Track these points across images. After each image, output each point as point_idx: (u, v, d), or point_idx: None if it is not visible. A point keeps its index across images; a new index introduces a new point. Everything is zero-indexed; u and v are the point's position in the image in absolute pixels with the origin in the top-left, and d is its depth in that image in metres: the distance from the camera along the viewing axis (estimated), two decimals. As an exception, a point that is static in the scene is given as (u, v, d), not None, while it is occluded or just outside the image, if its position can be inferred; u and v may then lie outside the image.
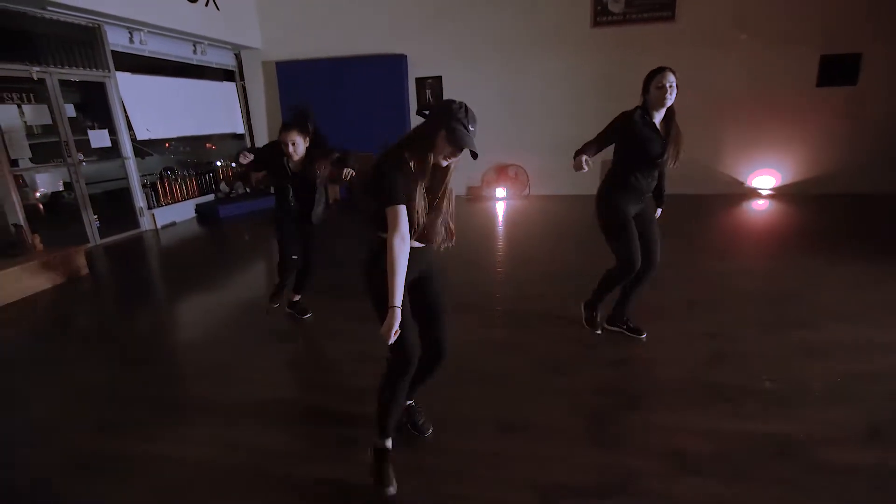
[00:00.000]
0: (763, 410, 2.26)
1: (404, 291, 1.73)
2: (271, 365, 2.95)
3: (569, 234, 5.48)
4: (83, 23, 5.72)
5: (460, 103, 1.65)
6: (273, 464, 2.06)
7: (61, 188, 5.77)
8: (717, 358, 2.72)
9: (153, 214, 6.72)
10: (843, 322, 3.08)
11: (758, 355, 2.72)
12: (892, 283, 3.66)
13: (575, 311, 3.34)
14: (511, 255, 4.93)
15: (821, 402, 2.30)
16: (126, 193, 6.52)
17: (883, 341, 2.83)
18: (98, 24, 5.91)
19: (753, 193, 7.29)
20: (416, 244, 1.78)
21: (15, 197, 5.01)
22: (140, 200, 6.57)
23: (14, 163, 5.14)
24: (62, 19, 5.46)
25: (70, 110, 5.67)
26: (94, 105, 6.17)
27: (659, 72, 2.67)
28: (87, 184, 5.86)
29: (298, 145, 3.07)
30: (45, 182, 5.61)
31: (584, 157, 2.54)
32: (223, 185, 8.05)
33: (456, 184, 2.10)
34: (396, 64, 7.78)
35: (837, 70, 6.74)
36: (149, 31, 6.47)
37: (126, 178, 6.46)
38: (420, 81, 8.01)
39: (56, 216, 5.85)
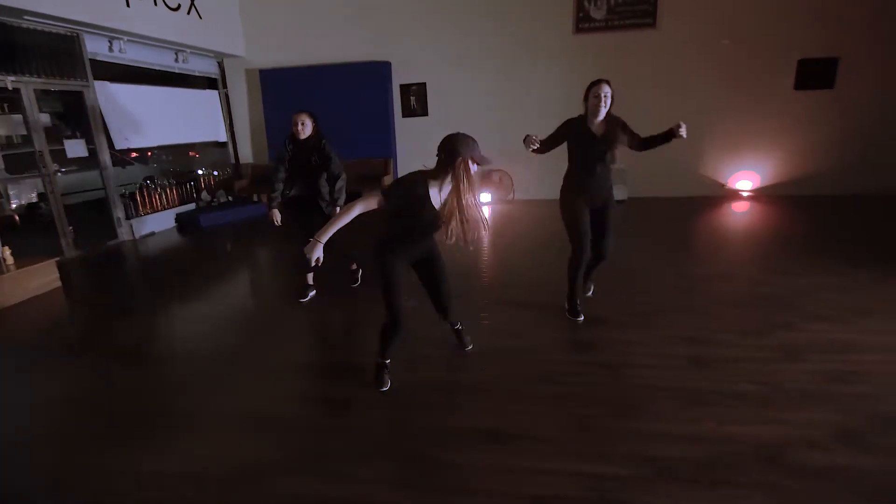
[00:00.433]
0: (745, 414, 2.26)
1: (411, 267, 2.50)
2: (254, 375, 2.88)
3: (554, 238, 5.47)
4: (61, 32, 5.63)
5: (464, 136, 2.16)
6: (258, 475, 2.01)
7: (35, 199, 5.64)
8: (698, 363, 2.72)
9: (131, 225, 6.60)
10: (820, 323, 3.10)
11: (738, 359, 2.73)
12: (868, 285, 3.71)
13: (561, 317, 3.34)
14: (496, 260, 4.92)
15: (799, 405, 2.31)
16: (104, 204, 6.40)
17: (857, 342, 2.86)
18: (77, 33, 5.82)
19: (734, 195, 7.39)
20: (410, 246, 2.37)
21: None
22: (118, 210, 6.45)
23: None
24: (40, 28, 5.37)
25: (46, 120, 5.56)
26: (72, 114, 6.07)
27: (596, 83, 3.03)
28: (65, 194, 5.74)
29: (307, 126, 3.69)
30: (20, 193, 5.48)
31: (531, 136, 3.00)
32: (205, 194, 7.95)
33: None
34: (380, 71, 7.77)
35: (815, 74, 6.87)
36: (129, 40, 6.38)
37: (104, 188, 6.34)
38: (404, 88, 8.01)
39: (32, 228, 5.72)
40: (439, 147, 2.17)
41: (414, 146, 7.99)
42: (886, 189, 6.86)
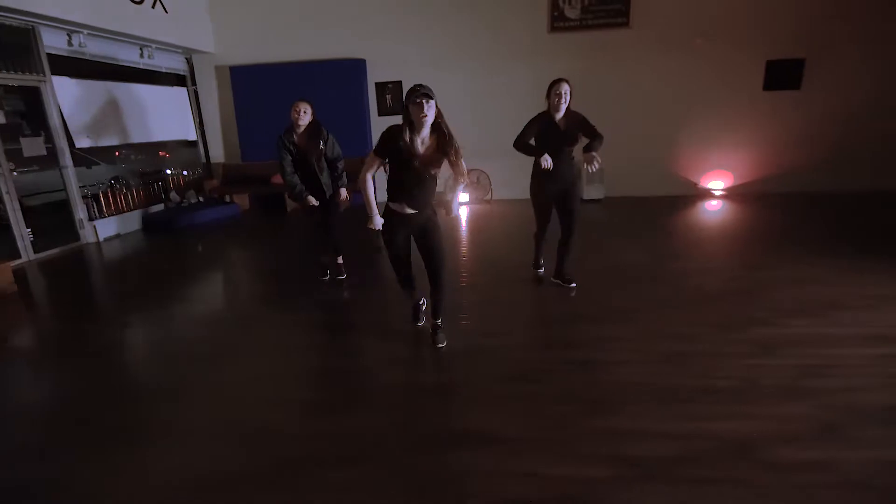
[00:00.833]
0: (721, 410, 2.24)
1: (406, 240, 2.86)
2: (226, 382, 2.75)
3: (531, 238, 5.45)
4: (14, 24, 5.34)
5: (414, 85, 2.52)
6: (234, 485, 1.89)
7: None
8: (674, 359, 2.70)
9: (95, 226, 6.32)
10: (794, 318, 3.13)
11: (715, 354, 2.72)
12: (839, 279, 3.77)
13: (539, 314, 3.30)
14: (474, 259, 4.86)
15: (776, 399, 2.31)
16: (66, 204, 6.11)
17: (831, 335, 2.89)
18: (32, 26, 5.54)
19: (707, 194, 7.50)
20: (410, 210, 2.69)
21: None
22: (80, 211, 6.17)
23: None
24: (-11, 19, 5.09)
25: (0, 117, 5.28)
26: (30, 111, 5.77)
27: (556, 82, 3.46)
28: (26, 196, 5.46)
29: (307, 114, 3.79)
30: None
31: (546, 156, 3.42)
32: (173, 195, 7.68)
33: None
34: (355, 68, 7.64)
35: (782, 74, 7.03)
36: (89, 34, 6.11)
37: (64, 188, 6.05)
38: (380, 86, 7.90)
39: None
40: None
41: (390, 145, 7.85)
42: (851, 186, 7.05)
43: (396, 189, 2.68)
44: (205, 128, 8.47)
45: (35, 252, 5.64)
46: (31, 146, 5.66)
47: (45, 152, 5.80)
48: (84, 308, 4.15)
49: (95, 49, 6.38)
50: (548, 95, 3.50)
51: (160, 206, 7.50)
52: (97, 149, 6.63)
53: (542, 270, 4.12)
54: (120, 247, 6.17)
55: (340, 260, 4.31)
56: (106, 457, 2.14)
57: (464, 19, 7.40)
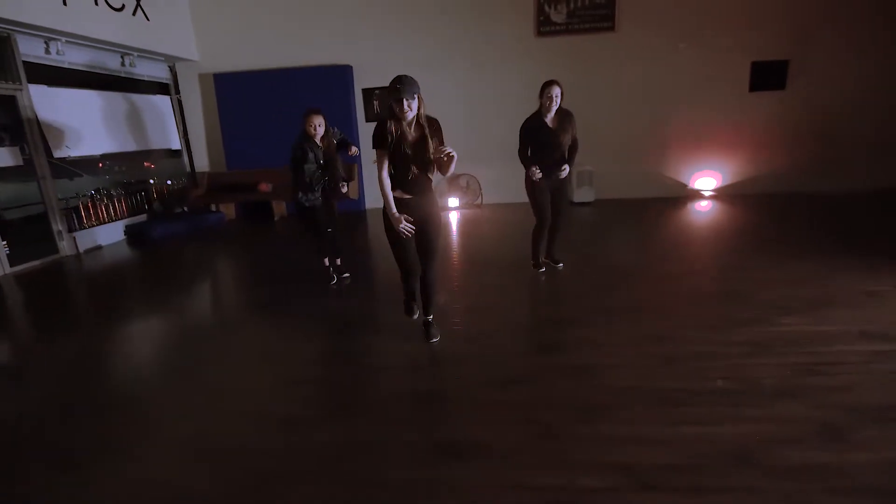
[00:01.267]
0: (716, 413, 2.16)
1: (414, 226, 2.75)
2: (197, 395, 2.62)
3: (522, 242, 5.38)
4: (-11, 31, 5.22)
5: (395, 78, 2.57)
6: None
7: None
8: (667, 361, 2.62)
9: (74, 238, 6.15)
10: (787, 317, 3.07)
11: (707, 355, 2.65)
12: (830, 277, 3.73)
13: (529, 318, 3.22)
14: (465, 264, 4.77)
15: (772, 400, 2.24)
16: (44, 216, 5.94)
17: (824, 333, 2.84)
18: (8, 33, 5.41)
19: (696, 195, 7.50)
20: (407, 195, 2.73)
21: None
22: (58, 223, 6.01)
23: None
24: (-38, 26, 4.96)
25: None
26: (6, 121, 5.62)
27: (547, 85, 3.66)
28: (6, 208, 5.29)
29: (322, 126, 3.90)
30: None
31: (534, 168, 3.71)
32: (157, 205, 7.53)
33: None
34: (342, 75, 7.58)
35: (767, 76, 7.07)
36: (67, 41, 5.99)
37: (41, 199, 5.89)
38: (367, 92, 7.84)
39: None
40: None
41: (378, 151, 7.78)
42: (839, 185, 7.09)
43: (393, 178, 2.72)
44: (189, 137, 8.34)
45: (11, 265, 5.47)
46: (5, 156, 5.50)
47: (21, 162, 5.64)
48: (58, 321, 4.00)
49: (74, 57, 6.25)
50: (540, 96, 3.70)
51: (143, 217, 7.34)
52: (77, 159, 6.47)
53: (543, 269, 4.19)
54: (101, 259, 6.01)
55: (339, 261, 4.39)
56: (78, 474, 2.02)
57: (450, 24, 7.37)
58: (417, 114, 2.62)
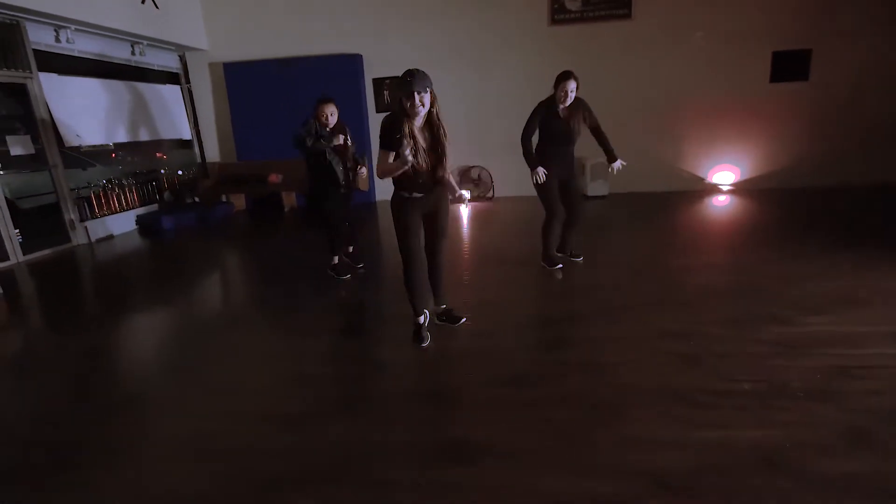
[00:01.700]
0: (743, 416, 2.06)
1: (419, 218, 2.73)
2: (199, 393, 2.58)
3: (534, 236, 5.27)
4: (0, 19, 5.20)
5: (406, 71, 2.43)
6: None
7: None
8: (690, 360, 2.52)
9: (86, 227, 6.16)
10: (813, 315, 2.95)
11: (732, 355, 2.54)
12: (857, 274, 3.58)
13: (541, 313, 3.13)
14: (476, 258, 4.68)
15: (802, 403, 2.13)
16: (56, 205, 5.95)
17: (851, 333, 2.71)
18: (17, 21, 5.39)
19: (714, 189, 7.31)
20: (416, 195, 2.65)
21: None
22: (71, 212, 6.01)
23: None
24: (-28, 14, 4.94)
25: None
26: (18, 109, 5.61)
27: (564, 79, 3.54)
28: (20, 197, 5.31)
29: (334, 116, 3.74)
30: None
31: (539, 169, 3.58)
32: (167, 195, 7.52)
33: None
34: (352, 64, 7.48)
35: (789, 66, 6.84)
36: (77, 29, 5.96)
37: (54, 188, 5.90)
38: (377, 82, 7.73)
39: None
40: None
41: (388, 142, 7.68)
42: (862, 180, 6.86)
43: (404, 177, 2.59)
44: (199, 127, 8.31)
45: (24, 254, 5.49)
46: (18, 145, 5.50)
47: (33, 151, 5.64)
48: (69, 312, 3.99)
49: (84, 45, 6.22)
50: (555, 87, 3.59)
51: (154, 207, 7.34)
52: (88, 148, 6.47)
53: (560, 266, 3.97)
54: (112, 248, 6.02)
55: (352, 249, 4.36)
56: (77, 474, 1.98)
57: (463, 12, 7.22)
58: (430, 111, 2.49)
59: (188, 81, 8.11)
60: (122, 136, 6.93)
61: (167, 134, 7.77)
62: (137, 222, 6.95)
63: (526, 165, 3.68)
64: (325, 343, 3.09)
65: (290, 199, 7.78)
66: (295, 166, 6.87)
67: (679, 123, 7.24)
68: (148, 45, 7.07)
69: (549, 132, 3.68)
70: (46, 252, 5.72)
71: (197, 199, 7.80)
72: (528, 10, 7.12)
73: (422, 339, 2.83)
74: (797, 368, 2.40)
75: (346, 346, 3.07)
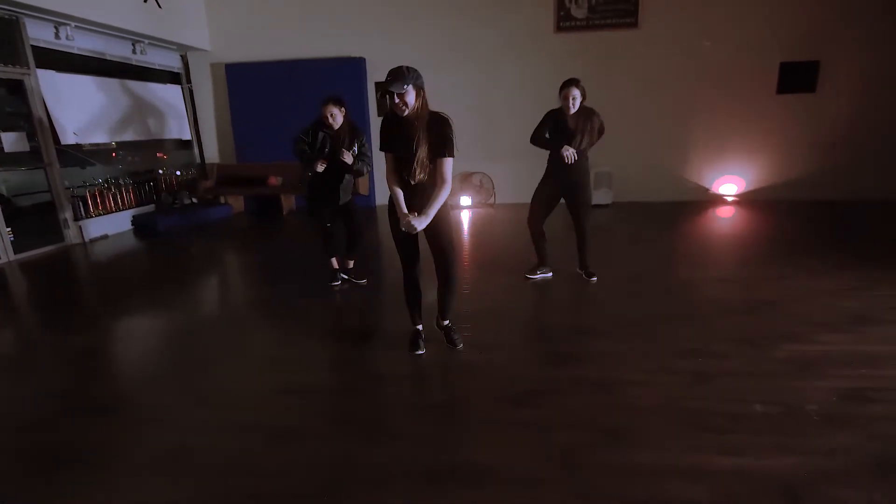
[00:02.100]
0: (758, 442, 1.94)
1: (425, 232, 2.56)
2: (185, 402, 2.46)
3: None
4: (-2, 14, 5.12)
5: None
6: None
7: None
8: (701, 379, 2.41)
9: (80, 227, 6.05)
10: (828, 333, 2.84)
11: (745, 374, 2.43)
12: (872, 290, 3.48)
13: (545, 326, 3.02)
14: (476, 266, 4.58)
15: (818, 428, 2.01)
16: (51, 204, 5.84)
17: (867, 353, 2.60)
18: (16, 16, 5.31)
19: (719, 200, 7.22)
20: (411, 199, 2.53)
21: None
22: (65, 211, 5.91)
23: None
24: (-30, 9, 4.85)
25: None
26: (12, 105, 5.53)
27: (567, 86, 3.47)
28: (16, 195, 5.20)
29: (337, 116, 3.59)
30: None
31: (567, 148, 3.51)
32: (165, 195, 7.42)
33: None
34: (355, 67, 7.41)
35: (797, 77, 6.77)
36: (77, 26, 5.88)
37: (48, 186, 5.79)
38: (380, 86, 7.63)
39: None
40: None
41: (390, 147, 7.60)
42: (870, 193, 6.78)
43: (400, 178, 2.55)
44: (199, 127, 8.23)
45: (15, 252, 5.38)
46: (13, 142, 5.41)
47: (28, 148, 5.55)
48: (55, 313, 3.87)
49: (84, 43, 6.15)
50: (559, 95, 3.55)
51: (151, 207, 7.24)
52: (86, 146, 6.38)
53: (550, 274, 3.98)
54: (106, 248, 5.90)
55: (351, 264, 4.12)
56: (47, 488, 1.86)
57: (467, 18, 7.16)
58: (417, 109, 2.36)
59: (189, 82, 8.04)
60: (120, 136, 6.83)
61: (166, 134, 7.68)
62: (133, 222, 6.84)
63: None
64: (319, 351, 2.97)
65: (288, 202, 7.68)
66: (294, 169, 6.80)
67: (684, 133, 7.16)
68: (149, 44, 6.99)
69: (557, 139, 3.61)
70: (39, 251, 5.61)
71: (195, 200, 7.70)
72: (534, 17, 7.06)
73: (415, 347, 2.77)
74: (812, 389, 2.29)
75: (341, 355, 2.94)
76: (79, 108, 6.14)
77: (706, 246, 5.06)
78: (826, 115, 6.78)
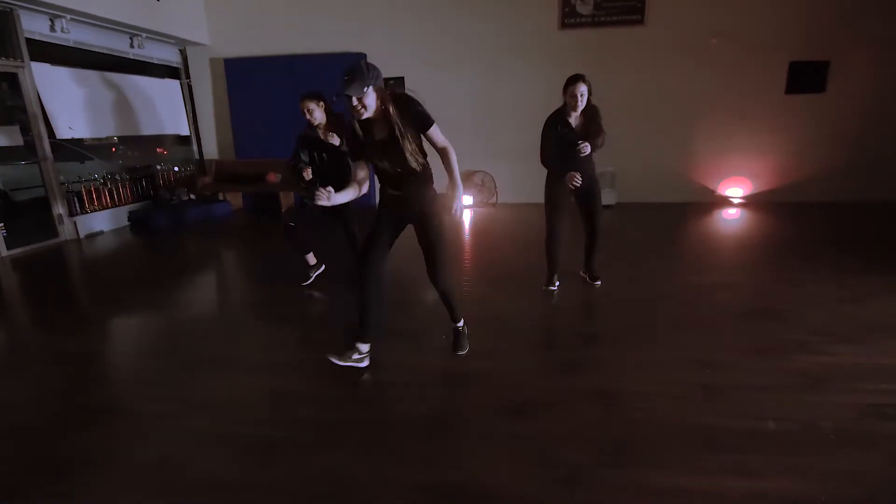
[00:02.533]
0: (772, 461, 1.83)
1: (392, 223, 2.49)
2: (176, 409, 2.35)
3: (539, 246, 5.06)
4: (-9, 5, 5.02)
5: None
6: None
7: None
8: (710, 392, 2.29)
9: (75, 222, 5.96)
10: (842, 344, 2.72)
11: (757, 387, 2.31)
12: (880, 297, 3.36)
13: (547, 333, 2.91)
14: (477, 269, 4.46)
15: (835, 447, 1.90)
16: (44, 199, 5.75)
17: (884, 366, 2.48)
18: (10, 8, 5.21)
19: (724, 202, 7.09)
20: (394, 192, 2.43)
21: None
22: (59, 207, 5.81)
23: None
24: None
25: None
26: (6, 98, 5.43)
27: (573, 82, 3.18)
28: (14, 189, 5.12)
29: (315, 111, 3.40)
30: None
31: (574, 175, 3.21)
32: (162, 191, 7.32)
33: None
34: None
35: (806, 77, 6.63)
36: (73, 19, 5.77)
37: (42, 181, 5.70)
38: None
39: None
40: None
41: (391, 144, 7.49)
42: (880, 195, 6.64)
43: (380, 177, 2.47)
44: (198, 123, 8.12)
45: (8, 248, 5.29)
46: (5, 135, 5.31)
47: (21, 143, 5.45)
48: (44, 312, 3.77)
49: (81, 36, 6.04)
50: (563, 92, 3.24)
51: (149, 203, 7.14)
52: (82, 141, 6.28)
53: (555, 287, 3.66)
54: (100, 245, 5.81)
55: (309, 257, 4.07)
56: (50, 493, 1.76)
57: (470, 14, 7.03)
58: (379, 108, 2.18)
59: (188, 76, 7.93)
60: (116, 130, 6.73)
61: (164, 129, 7.58)
62: (130, 218, 6.75)
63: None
64: (315, 354, 2.86)
65: (287, 200, 7.57)
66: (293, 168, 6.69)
67: (690, 133, 7.03)
68: (147, 37, 6.89)
69: (562, 147, 3.27)
70: (32, 247, 5.52)
71: (192, 197, 7.60)
72: (538, 14, 6.93)
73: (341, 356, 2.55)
74: (827, 405, 2.17)
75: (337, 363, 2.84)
76: (74, 102, 6.04)
77: (712, 249, 4.93)
78: (836, 115, 6.64)
